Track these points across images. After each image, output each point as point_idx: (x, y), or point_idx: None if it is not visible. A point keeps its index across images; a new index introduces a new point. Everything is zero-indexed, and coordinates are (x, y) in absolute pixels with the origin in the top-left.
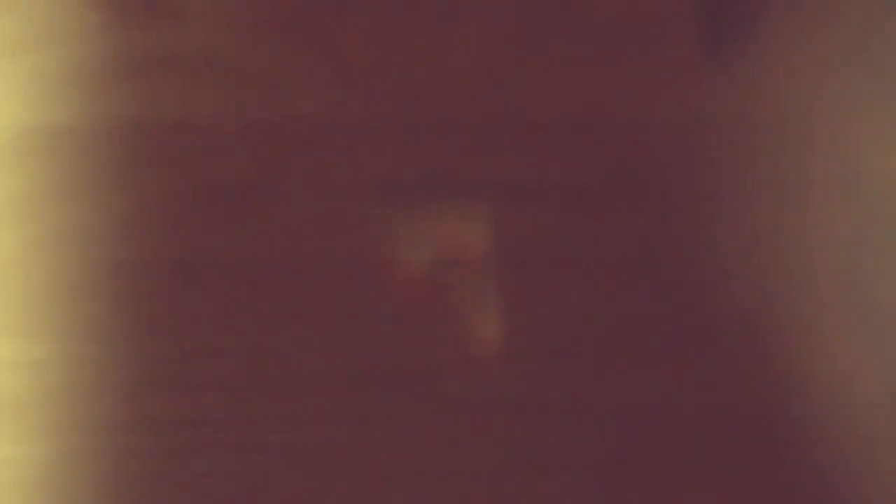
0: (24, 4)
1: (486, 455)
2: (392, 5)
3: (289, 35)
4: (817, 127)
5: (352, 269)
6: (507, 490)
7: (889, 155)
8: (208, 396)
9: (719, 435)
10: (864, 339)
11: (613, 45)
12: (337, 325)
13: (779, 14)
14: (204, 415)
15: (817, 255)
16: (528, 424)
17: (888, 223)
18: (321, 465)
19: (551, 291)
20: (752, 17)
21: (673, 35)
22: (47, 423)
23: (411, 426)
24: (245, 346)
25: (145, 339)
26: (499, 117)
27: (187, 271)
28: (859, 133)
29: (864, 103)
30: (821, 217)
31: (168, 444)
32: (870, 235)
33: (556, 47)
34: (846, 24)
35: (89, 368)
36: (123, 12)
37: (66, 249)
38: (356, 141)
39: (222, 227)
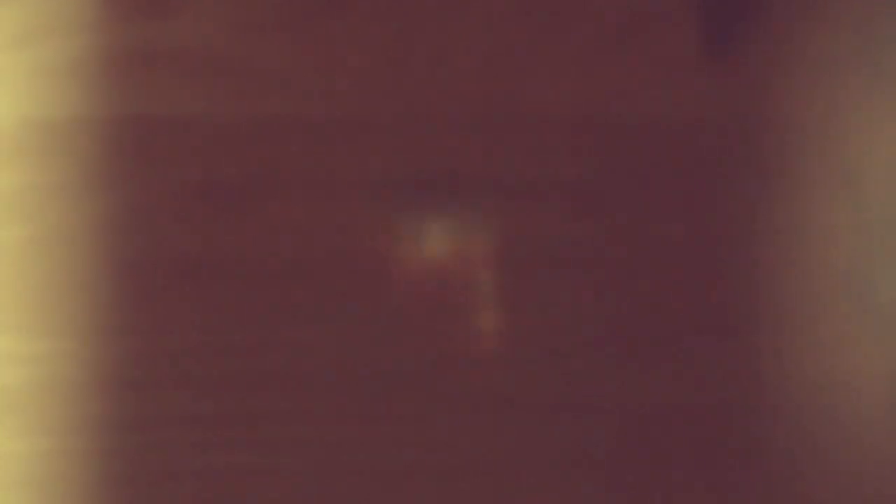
0: None
1: (486, 454)
2: (392, 5)
3: (289, 34)
4: (817, 126)
5: (351, 267)
6: (507, 489)
7: (889, 154)
8: (207, 394)
9: (718, 435)
10: (865, 338)
11: (613, 44)
12: (337, 324)
13: (779, 14)
14: (203, 413)
15: (818, 254)
16: (529, 424)
17: (888, 222)
18: (321, 463)
19: (551, 291)
20: (752, 17)
21: (673, 35)
22: (45, 420)
23: (411, 425)
24: (245, 346)
25: (143, 336)
26: (499, 117)
27: (186, 269)
28: (859, 132)
29: (864, 103)
30: (821, 216)
31: (165, 441)
32: (870, 235)
33: (557, 47)
34: (846, 24)
35: (87, 366)
36: (124, 7)
37: (64, 246)
38: (356, 139)
39: (221, 224)
